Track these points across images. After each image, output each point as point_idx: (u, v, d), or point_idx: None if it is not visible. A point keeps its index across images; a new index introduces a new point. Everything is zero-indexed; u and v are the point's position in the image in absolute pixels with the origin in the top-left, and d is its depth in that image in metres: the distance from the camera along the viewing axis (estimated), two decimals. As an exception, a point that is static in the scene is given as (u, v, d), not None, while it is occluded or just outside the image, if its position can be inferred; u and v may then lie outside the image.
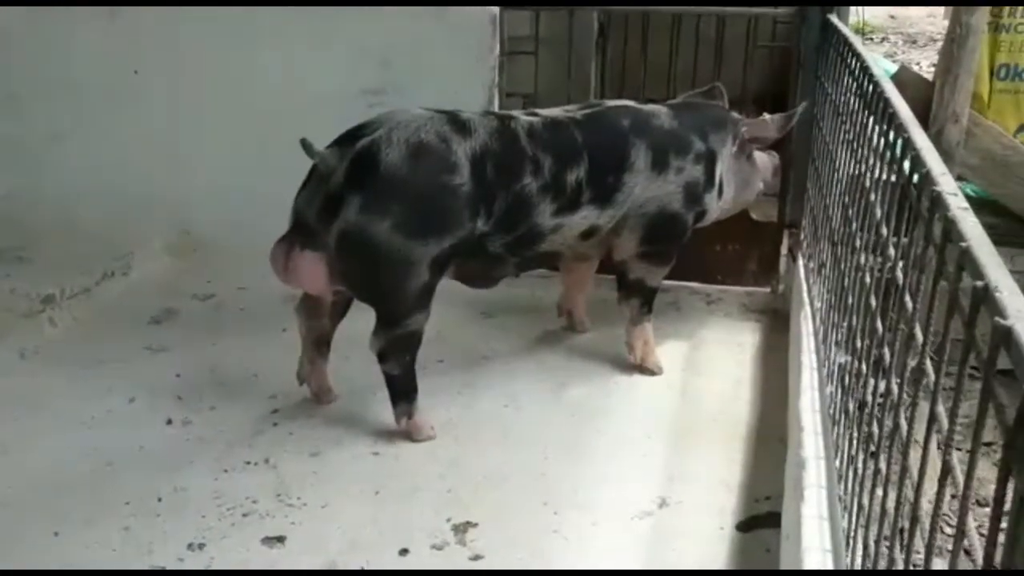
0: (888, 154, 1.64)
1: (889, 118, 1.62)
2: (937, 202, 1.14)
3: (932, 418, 1.02)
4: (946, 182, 1.18)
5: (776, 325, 3.46)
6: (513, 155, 2.64)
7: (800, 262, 3.28)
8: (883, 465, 1.36)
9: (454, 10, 3.47)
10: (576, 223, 2.79)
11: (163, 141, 3.77)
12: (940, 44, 3.99)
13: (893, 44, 11.60)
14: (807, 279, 3.02)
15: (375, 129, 2.51)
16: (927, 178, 1.22)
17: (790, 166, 3.50)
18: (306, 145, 2.44)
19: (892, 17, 13.82)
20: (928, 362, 1.12)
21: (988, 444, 1.88)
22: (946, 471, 0.93)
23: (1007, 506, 0.74)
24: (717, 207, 3.08)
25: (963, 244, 0.99)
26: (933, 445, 1.08)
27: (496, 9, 3.43)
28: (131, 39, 3.70)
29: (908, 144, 1.41)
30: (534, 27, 3.61)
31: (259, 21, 3.63)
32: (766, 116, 3.09)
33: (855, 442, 1.65)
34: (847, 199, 2.20)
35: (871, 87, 1.93)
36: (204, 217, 3.80)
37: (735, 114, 3.15)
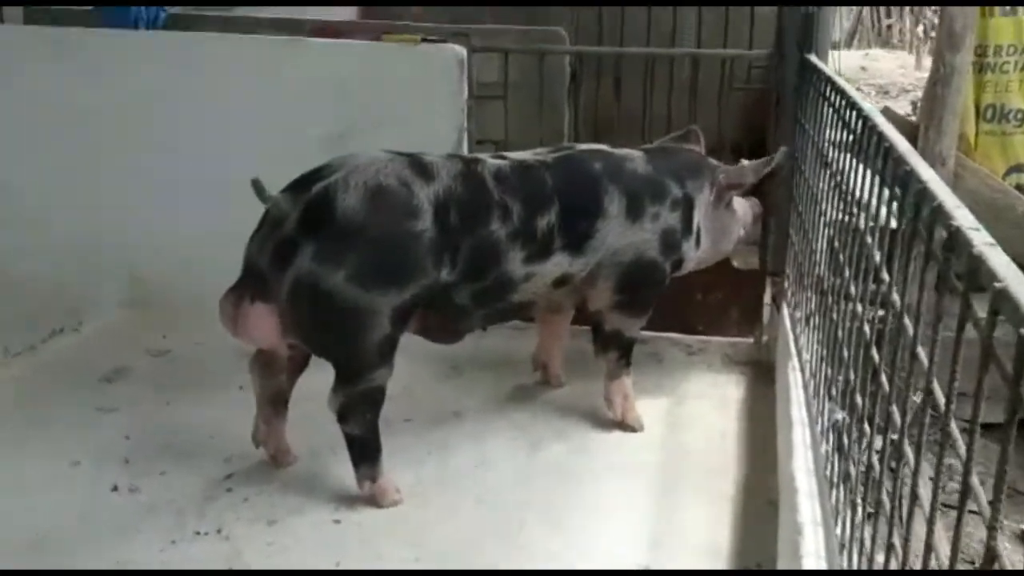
0: (885, 192, 1.51)
1: (885, 152, 1.49)
2: (956, 238, 1.00)
3: (965, 492, 0.86)
4: (963, 216, 1.04)
5: (760, 377, 3.33)
6: (479, 200, 2.50)
7: (785, 311, 3.15)
8: (896, 539, 1.20)
9: (420, 52, 3.35)
10: (548, 271, 2.65)
11: (113, 189, 3.58)
12: (912, 94, 3.92)
13: (865, 94, 11.70)
14: (793, 329, 2.88)
15: (332, 172, 2.37)
16: (939, 212, 1.08)
17: (772, 213, 3.39)
18: (258, 188, 2.29)
19: (863, 68, 13.98)
20: (953, 424, 0.96)
21: None
22: (991, 557, 0.77)
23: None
24: (695, 256, 2.96)
25: (997, 285, 0.84)
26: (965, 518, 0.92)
27: (463, 50, 3.31)
28: (77, 82, 3.54)
29: (911, 178, 1.27)
30: (503, 73, 3.50)
31: (213, 62, 3.49)
32: (744, 162, 2.98)
33: (859, 509, 1.49)
34: (837, 244, 2.06)
35: (860, 122, 1.81)
36: (159, 268, 3.62)
37: (712, 160, 3.03)
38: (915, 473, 1.09)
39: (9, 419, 2.93)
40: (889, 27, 16.13)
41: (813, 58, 3.00)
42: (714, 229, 3.00)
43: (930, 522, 0.99)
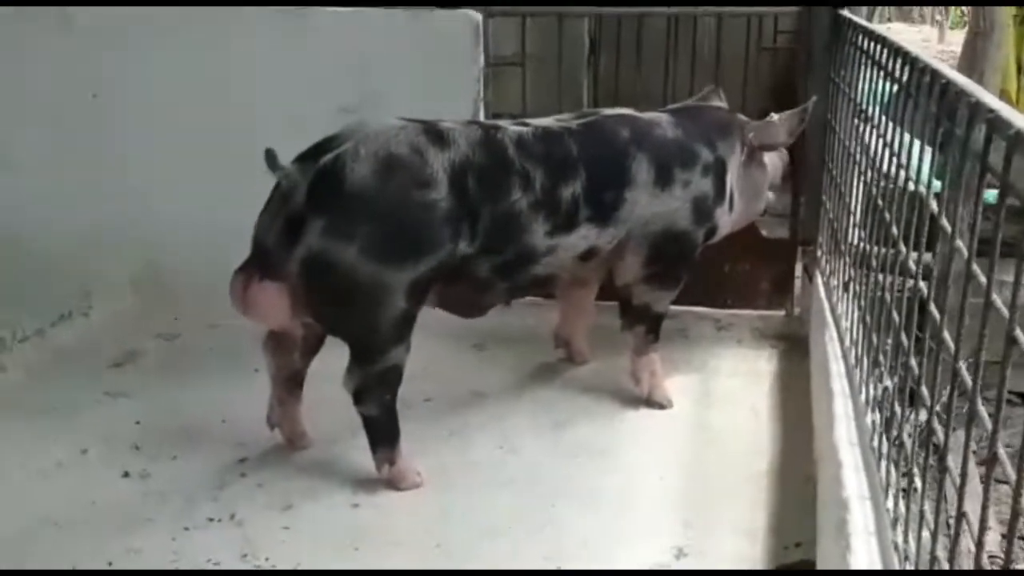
0: (942, 136, 1.39)
1: (942, 89, 1.36)
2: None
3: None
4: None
5: (793, 351, 3.20)
6: (500, 168, 2.39)
7: (819, 281, 3.01)
8: (967, 505, 1.08)
9: (435, 19, 3.23)
10: (573, 244, 2.53)
11: (125, 169, 3.47)
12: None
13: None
14: (829, 298, 2.75)
15: (343, 142, 2.26)
16: (1020, 138, 0.95)
17: (803, 181, 3.25)
18: (271, 159, 2.19)
19: (885, 42, 13.68)
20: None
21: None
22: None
23: None
24: (729, 221, 2.83)
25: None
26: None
27: (478, 16, 3.18)
28: (88, 58, 3.44)
29: (978, 109, 1.14)
30: (520, 44, 3.37)
31: (227, 38, 3.38)
32: (773, 116, 2.83)
33: (916, 480, 1.37)
34: (882, 202, 1.94)
35: (909, 66, 1.68)
36: (171, 250, 3.51)
37: (741, 116, 2.90)
38: (994, 433, 0.97)
39: (18, 404, 2.85)
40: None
41: (847, 12, 2.85)
42: (747, 189, 2.87)
43: (1018, 486, 0.87)
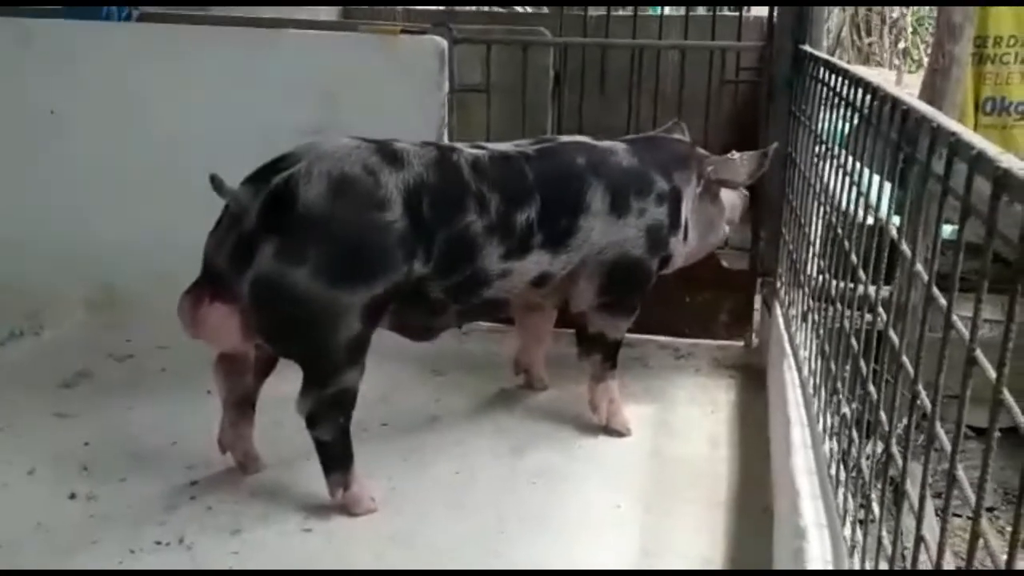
0: (903, 162, 1.40)
1: (903, 115, 1.37)
2: (1007, 181, 0.87)
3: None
4: (1010, 160, 0.91)
5: (752, 382, 3.20)
6: (454, 189, 2.37)
7: (777, 312, 3.03)
8: (926, 532, 1.07)
9: (399, 43, 3.22)
10: (526, 269, 2.51)
11: (80, 186, 3.42)
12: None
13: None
14: (788, 329, 2.76)
15: (294, 162, 2.23)
16: (982, 159, 0.95)
17: (763, 212, 3.28)
18: (216, 183, 2.15)
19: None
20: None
21: None
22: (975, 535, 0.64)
23: None
24: (683, 251, 2.83)
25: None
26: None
27: (444, 42, 3.18)
28: (46, 74, 3.39)
29: (938, 133, 1.15)
30: (485, 72, 3.38)
31: (188, 55, 3.35)
32: (735, 154, 2.85)
33: (874, 506, 1.36)
34: (841, 231, 1.95)
35: (870, 96, 1.69)
36: (124, 270, 3.44)
37: (700, 150, 2.90)
38: (953, 454, 0.96)
39: (-38, 425, 2.76)
40: (870, 44, 16.20)
41: (808, 47, 2.89)
42: (701, 222, 2.87)
43: (977, 510, 0.86)
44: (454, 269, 2.39)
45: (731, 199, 2.99)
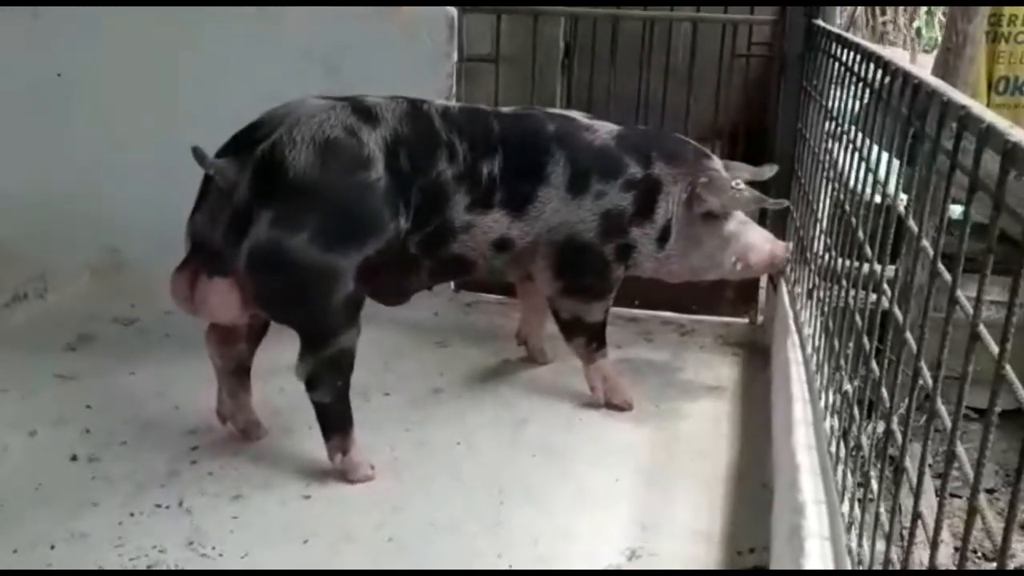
0: (912, 136, 1.38)
1: (914, 89, 1.35)
2: (1015, 155, 0.86)
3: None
4: (1020, 134, 0.90)
5: (755, 359, 3.19)
6: (428, 139, 2.37)
7: (783, 289, 3.01)
8: (923, 507, 1.06)
9: (408, 11, 3.19)
10: (488, 227, 2.49)
11: (87, 150, 3.41)
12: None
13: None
14: (793, 306, 2.74)
15: (273, 128, 2.21)
16: (992, 132, 0.94)
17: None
18: (199, 155, 2.14)
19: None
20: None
21: None
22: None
23: None
24: (654, 251, 2.66)
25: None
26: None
27: (453, 10, 3.15)
28: (54, 39, 3.37)
29: (948, 108, 1.13)
30: (494, 45, 3.34)
31: (195, 23, 3.33)
32: (740, 183, 2.65)
33: (872, 483, 1.36)
34: (849, 207, 1.93)
35: (882, 70, 1.67)
36: (131, 234, 3.44)
37: (707, 155, 2.71)
38: (953, 430, 0.95)
39: (-36, 385, 2.77)
40: (884, 23, 16.06)
41: (820, 22, 2.85)
42: (686, 238, 2.67)
43: (974, 487, 0.85)
44: (427, 221, 2.39)
45: (756, 239, 2.74)
